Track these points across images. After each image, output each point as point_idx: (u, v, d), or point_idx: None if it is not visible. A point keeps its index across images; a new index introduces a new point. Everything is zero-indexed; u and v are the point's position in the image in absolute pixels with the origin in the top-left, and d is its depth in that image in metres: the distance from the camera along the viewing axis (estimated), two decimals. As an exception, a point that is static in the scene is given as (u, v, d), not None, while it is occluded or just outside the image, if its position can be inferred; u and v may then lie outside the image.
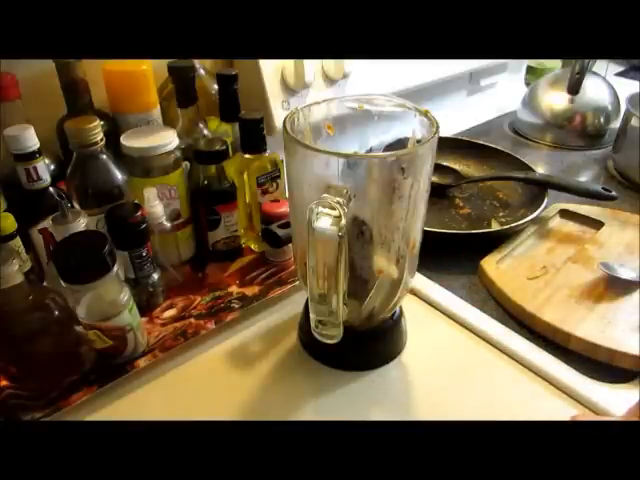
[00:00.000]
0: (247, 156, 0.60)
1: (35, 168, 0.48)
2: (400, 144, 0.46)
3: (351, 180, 0.39)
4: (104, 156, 0.52)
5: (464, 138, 0.90)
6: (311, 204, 0.37)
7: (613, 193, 0.69)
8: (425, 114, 0.43)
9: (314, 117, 0.46)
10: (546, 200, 0.70)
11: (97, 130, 0.50)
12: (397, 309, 0.52)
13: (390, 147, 0.47)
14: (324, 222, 0.37)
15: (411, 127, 0.45)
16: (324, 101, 0.46)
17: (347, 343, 0.44)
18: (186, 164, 0.59)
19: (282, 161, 0.61)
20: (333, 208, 0.37)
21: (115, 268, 0.45)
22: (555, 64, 1.22)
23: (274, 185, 0.62)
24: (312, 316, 0.43)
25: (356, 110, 0.47)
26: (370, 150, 0.48)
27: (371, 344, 0.51)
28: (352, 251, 0.44)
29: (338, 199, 0.37)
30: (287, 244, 0.57)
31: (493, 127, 1.05)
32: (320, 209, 0.37)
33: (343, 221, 0.36)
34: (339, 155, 0.38)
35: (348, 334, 0.44)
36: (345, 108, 0.47)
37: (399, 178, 0.40)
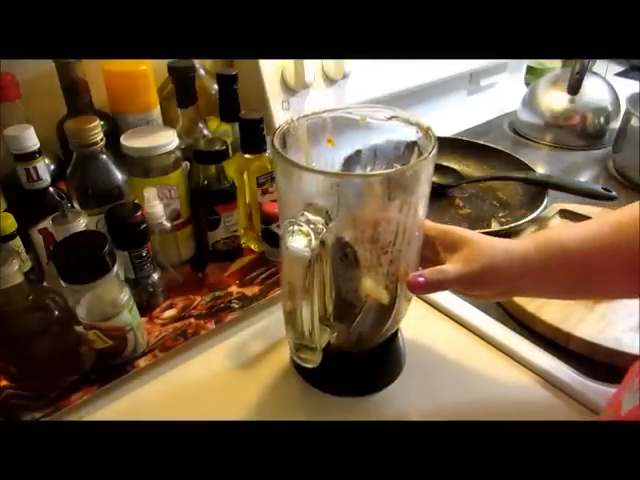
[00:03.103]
0: (247, 156, 0.60)
1: (35, 168, 0.48)
2: (397, 151, 0.44)
3: (333, 199, 0.37)
4: (104, 156, 0.52)
5: (464, 138, 0.90)
6: (285, 221, 0.35)
7: (613, 193, 0.69)
8: (426, 131, 0.41)
9: (313, 122, 0.44)
10: (546, 200, 0.70)
11: (97, 130, 0.50)
12: (396, 334, 0.50)
13: (386, 151, 0.45)
14: (295, 241, 0.35)
15: (412, 139, 0.43)
16: (324, 111, 0.44)
17: (338, 367, 0.43)
18: (186, 164, 0.59)
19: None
20: (309, 226, 0.35)
21: (115, 268, 0.45)
22: (555, 64, 1.22)
23: (274, 185, 0.62)
24: (289, 339, 0.42)
25: (358, 123, 0.45)
26: (360, 152, 0.46)
27: (364, 368, 0.49)
28: (336, 273, 0.42)
29: (313, 217, 0.35)
30: (287, 244, 0.57)
31: (493, 127, 1.05)
32: (295, 227, 0.35)
33: (314, 241, 0.35)
34: (314, 172, 0.37)
35: (341, 357, 0.43)
36: (346, 119, 0.45)
37: (384, 200, 0.38)
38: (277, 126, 0.42)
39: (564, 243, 0.39)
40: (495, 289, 0.42)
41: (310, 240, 0.35)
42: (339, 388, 0.48)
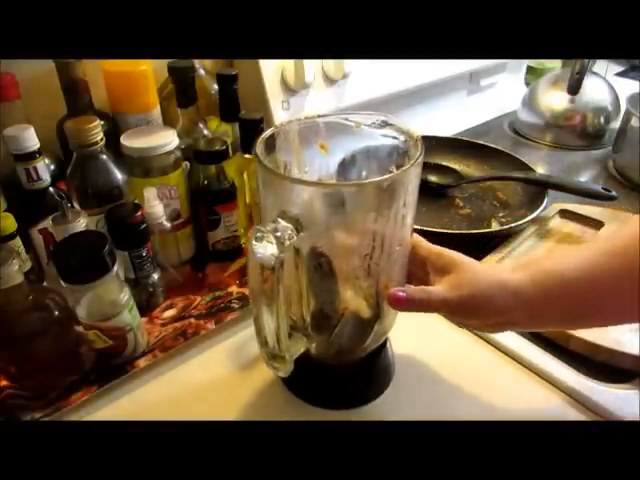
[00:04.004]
0: (247, 156, 0.60)
1: (35, 168, 0.48)
2: (390, 157, 0.42)
3: (307, 207, 0.36)
4: (104, 156, 0.52)
5: (464, 138, 0.90)
6: (255, 227, 0.35)
7: (613, 193, 0.69)
8: (415, 141, 0.39)
9: (306, 126, 0.43)
10: (546, 200, 0.70)
11: (97, 130, 0.50)
12: (384, 344, 0.49)
13: (380, 156, 0.43)
14: (258, 247, 0.35)
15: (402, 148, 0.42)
16: (319, 116, 0.43)
17: (323, 379, 0.43)
18: (186, 164, 0.59)
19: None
20: (274, 234, 0.34)
21: (115, 268, 0.45)
22: (555, 64, 1.22)
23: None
24: (260, 348, 0.41)
25: (352, 129, 0.43)
26: (354, 156, 0.45)
27: (348, 380, 0.48)
28: (312, 283, 0.41)
29: (283, 225, 0.35)
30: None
31: (493, 127, 1.05)
32: (259, 234, 0.35)
33: (277, 250, 0.34)
34: (288, 180, 0.37)
35: (324, 369, 0.43)
36: (339, 124, 0.43)
37: (359, 211, 0.37)
38: (281, 120, 0.41)
39: (563, 273, 0.38)
40: (485, 320, 0.40)
41: (274, 248, 0.34)
42: (323, 400, 0.47)
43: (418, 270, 0.43)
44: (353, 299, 0.42)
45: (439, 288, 0.40)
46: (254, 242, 0.35)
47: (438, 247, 0.43)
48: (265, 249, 0.34)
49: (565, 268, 0.38)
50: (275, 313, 0.37)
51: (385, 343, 0.49)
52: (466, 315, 0.41)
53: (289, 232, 0.35)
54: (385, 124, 0.42)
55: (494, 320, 0.40)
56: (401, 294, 0.40)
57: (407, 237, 0.41)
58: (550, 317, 0.40)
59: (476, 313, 0.40)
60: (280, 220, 0.35)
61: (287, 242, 0.35)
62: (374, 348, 0.47)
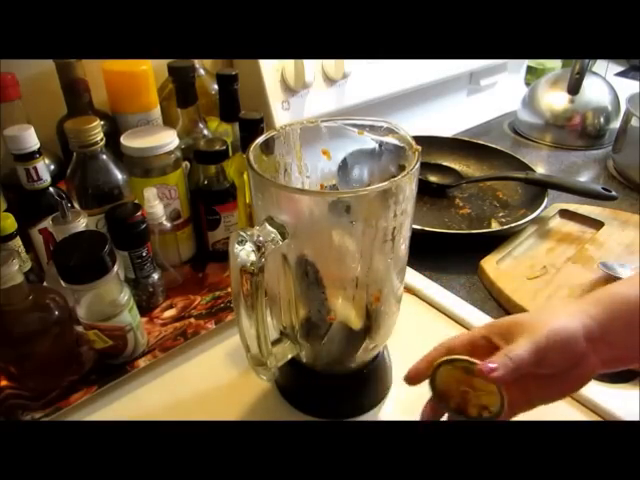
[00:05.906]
0: (247, 156, 0.60)
1: (35, 168, 0.48)
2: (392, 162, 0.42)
3: (294, 214, 0.36)
4: (104, 156, 0.52)
5: (464, 138, 0.90)
6: (235, 230, 0.35)
7: (613, 193, 0.69)
8: (414, 152, 0.38)
9: (307, 129, 0.43)
10: (546, 200, 0.70)
11: (97, 130, 0.50)
12: (381, 352, 0.48)
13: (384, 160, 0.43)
14: (237, 250, 0.34)
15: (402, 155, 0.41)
16: (322, 121, 0.42)
17: (316, 388, 0.43)
18: (186, 164, 0.59)
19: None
20: (253, 239, 0.34)
21: (115, 268, 0.45)
22: (555, 64, 1.22)
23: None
24: (245, 353, 0.40)
25: (355, 134, 0.43)
26: (345, 161, 0.45)
27: (342, 390, 0.47)
28: (300, 290, 0.40)
29: (267, 231, 0.35)
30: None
31: (493, 127, 1.05)
32: (239, 238, 0.34)
33: (254, 256, 0.34)
34: (275, 186, 0.36)
35: (317, 377, 0.43)
36: (341, 130, 0.43)
37: (344, 221, 0.36)
38: (281, 121, 0.41)
39: (625, 291, 0.36)
40: (563, 363, 0.36)
41: (252, 253, 0.34)
42: (317, 409, 0.46)
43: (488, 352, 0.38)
44: (342, 309, 0.42)
45: (517, 343, 0.36)
46: (236, 246, 0.34)
47: (491, 322, 0.40)
48: (247, 254, 0.34)
49: (625, 287, 0.37)
50: (254, 319, 0.36)
51: (382, 352, 0.48)
52: (546, 363, 0.36)
53: (273, 237, 0.35)
54: (389, 131, 0.41)
55: (571, 361, 0.36)
56: (491, 365, 0.35)
57: (397, 248, 0.39)
58: (621, 341, 0.36)
59: (553, 356, 0.35)
60: (267, 225, 0.35)
61: (270, 247, 0.34)
62: (369, 359, 0.46)
